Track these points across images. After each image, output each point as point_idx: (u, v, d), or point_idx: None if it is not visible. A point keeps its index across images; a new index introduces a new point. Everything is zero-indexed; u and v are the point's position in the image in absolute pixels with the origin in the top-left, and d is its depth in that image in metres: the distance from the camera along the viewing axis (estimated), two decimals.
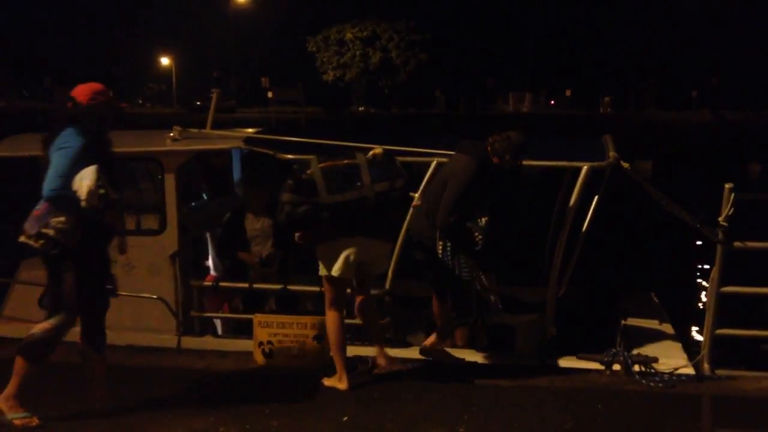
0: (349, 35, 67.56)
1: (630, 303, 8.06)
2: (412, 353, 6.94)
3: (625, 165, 6.57)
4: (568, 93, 66.37)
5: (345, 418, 5.49)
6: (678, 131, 45.99)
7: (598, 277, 9.71)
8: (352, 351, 6.93)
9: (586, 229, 6.76)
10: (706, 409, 6.02)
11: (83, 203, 5.11)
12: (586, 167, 6.63)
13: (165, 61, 76.95)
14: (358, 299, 6.39)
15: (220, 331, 8.02)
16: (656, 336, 7.15)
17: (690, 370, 6.37)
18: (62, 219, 5.11)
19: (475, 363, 6.78)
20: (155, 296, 7.37)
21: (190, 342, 7.36)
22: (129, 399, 5.87)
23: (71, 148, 5.17)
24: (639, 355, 6.53)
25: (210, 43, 77.23)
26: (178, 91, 72.16)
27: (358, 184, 5.74)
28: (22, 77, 79.05)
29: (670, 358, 6.50)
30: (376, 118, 55.76)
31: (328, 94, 68.39)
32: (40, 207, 5.16)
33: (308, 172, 5.74)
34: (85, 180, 5.13)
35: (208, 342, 7.38)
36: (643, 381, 6.21)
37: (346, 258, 5.95)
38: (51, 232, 5.11)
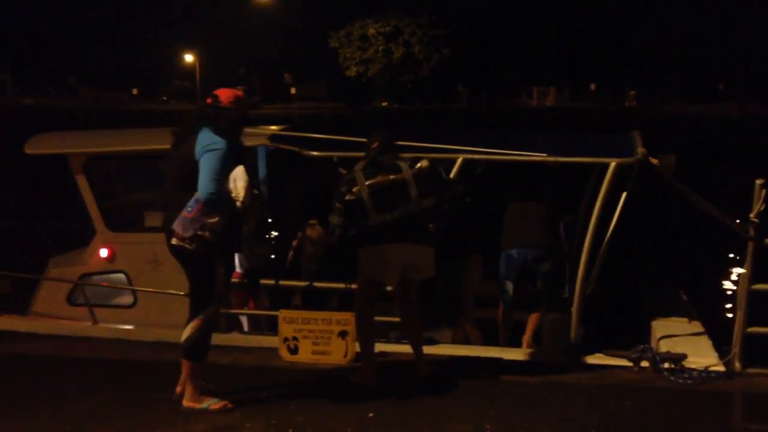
0: (371, 31, 67.45)
1: (659, 300, 7.97)
2: (438, 350, 6.92)
3: (654, 161, 6.48)
4: (592, 87, 65.86)
5: (370, 414, 5.49)
6: (704, 124, 45.50)
7: (626, 274, 9.63)
8: (378, 347, 6.93)
9: (614, 226, 6.68)
10: (735, 407, 5.95)
11: (239, 204, 5.27)
12: (613, 163, 6.55)
13: (189, 58, 77.29)
14: (401, 306, 6.33)
15: (246, 328, 8.03)
16: (685, 334, 7.06)
17: (720, 368, 6.28)
18: (216, 220, 5.24)
19: (501, 359, 6.75)
20: (182, 293, 7.39)
21: (216, 338, 7.36)
22: (155, 393, 5.91)
23: (220, 150, 5.24)
24: (667, 352, 6.46)
25: (233, 39, 77.56)
26: (201, 87, 72.48)
27: (406, 200, 5.76)
28: (49, 76, 79.74)
29: (700, 357, 6.41)
30: (399, 114, 55.73)
31: (350, 90, 68.37)
32: (193, 209, 5.22)
33: (354, 190, 5.76)
34: (239, 181, 5.29)
35: (234, 339, 7.39)
36: (672, 378, 6.14)
37: (388, 263, 5.95)
38: (207, 234, 5.24)
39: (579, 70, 65.57)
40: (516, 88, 67.92)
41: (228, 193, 5.28)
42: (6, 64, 71.32)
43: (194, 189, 5.20)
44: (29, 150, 7.95)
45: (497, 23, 68.39)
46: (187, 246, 5.27)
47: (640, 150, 6.61)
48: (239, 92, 5.62)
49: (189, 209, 5.21)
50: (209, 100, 5.48)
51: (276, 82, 71.98)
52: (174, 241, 5.32)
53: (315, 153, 7.12)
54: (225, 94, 5.49)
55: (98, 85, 71.85)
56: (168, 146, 7.72)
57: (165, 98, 75.82)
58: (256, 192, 5.40)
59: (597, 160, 6.85)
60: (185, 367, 5.59)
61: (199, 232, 5.22)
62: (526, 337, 7.46)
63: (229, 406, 5.59)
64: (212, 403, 5.58)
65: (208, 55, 76.15)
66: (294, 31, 76.79)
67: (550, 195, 7.36)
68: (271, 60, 75.26)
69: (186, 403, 5.59)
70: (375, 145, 6.01)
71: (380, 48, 67.51)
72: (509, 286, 7.45)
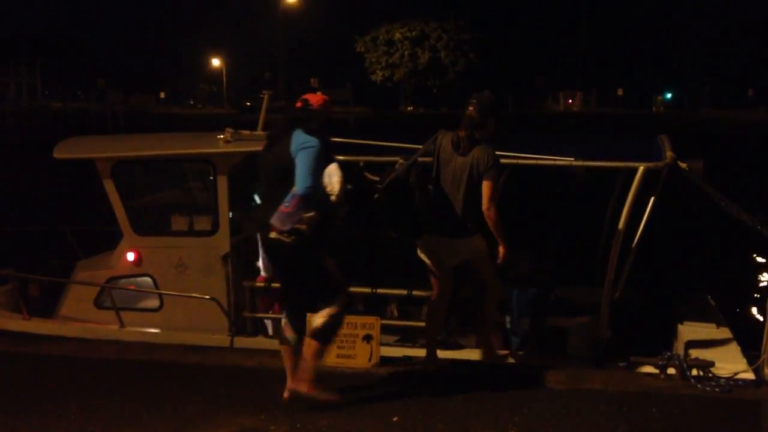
0: (397, 35, 67.57)
1: (686, 306, 7.89)
2: (462, 354, 6.91)
3: (683, 165, 6.42)
4: (619, 92, 65.45)
5: (395, 419, 5.48)
6: (733, 130, 45.08)
7: (653, 280, 9.55)
8: (403, 352, 6.93)
9: (642, 230, 6.63)
10: (764, 416, 5.86)
11: (333, 198, 5.54)
12: (642, 168, 6.49)
13: (216, 62, 77.86)
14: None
15: (270, 332, 8.06)
16: (713, 340, 6.98)
17: (750, 375, 6.20)
18: (312, 214, 5.40)
19: (527, 365, 6.71)
20: (208, 297, 7.44)
21: (242, 342, 7.42)
22: (182, 395, 5.94)
23: (315, 148, 5.44)
24: (695, 358, 6.39)
25: (260, 44, 78.11)
26: (228, 91, 73.02)
27: None
28: (77, 79, 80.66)
29: (729, 363, 6.33)
30: (425, 118, 55.71)
31: (376, 94, 68.52)
32: (290, 203, 5.38)
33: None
34: (334, 176, 5.58)
35: (260, 342, 7.42)
36: (699, 385, 6.06)
37: (427, 253, 6.34)
38: (304, 227, 5.39)
39: (606, 75, 65.22)
40: (542, 92, 67.70)
41: (323, 188, 5.51)
42: (35, 67, 72.22)
43: (289, 186, 5.37)
44: (57, 154, 8.04)
45: (524, 28, 68.14)
46: (285, 239, 5.41)
47: (669, 154, 6.55)
48: (326, 96, 5.92)
49: (286, 204, 5.37)
50: (299, 104, 5.73)
51: (302, 86, 72.37)
52: (273, 234, 5.45)
53: (340, 157, 7.12)
54: (314, 99, 5.78)
55: (126, 88, 72.59)
56: (198, 151, 7.86)
57: (192, 102, 76.44)
58: (349, 187, 5.70)
59: (625, 164, 6.79)
60: (309, 348, 5.61)
61: (297, 225, 5.36)
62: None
63: (336, 399, 5.67)
64: (322, 394, 5.65)
65: (234, 59, 76.71)
66: (320, 36, 77.16)
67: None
68: (297, 64, 75.67)
69: (297, 385, 5.63)
70: (471, 108, 6.29)
71: (406, 52, 67.56)
72: (525, 322, 7.52)
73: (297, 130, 5.54)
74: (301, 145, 5.43)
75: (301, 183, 5.32)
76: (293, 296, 5.78)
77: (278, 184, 5.45)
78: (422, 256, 6.43)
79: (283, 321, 5.82)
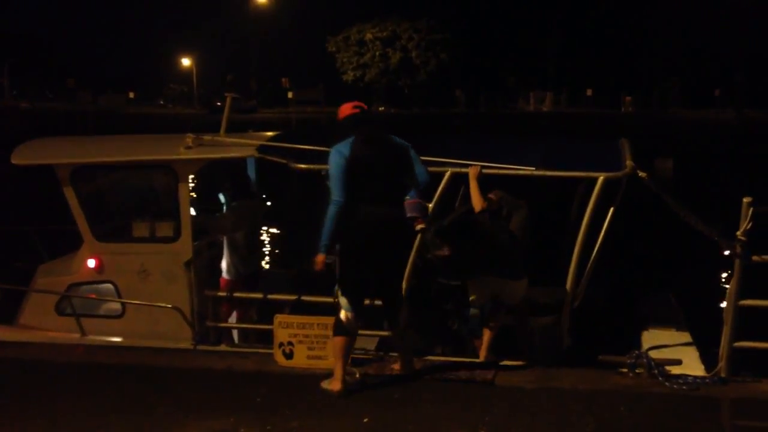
0: (369, 35, 67.49)
1: (649, 305, 7.96)
2: (433, 356, 6.91)
3: (643, 174, 6.44)
4: (589, 92, 65.84)
5: (366, 419, 5.48)
6: (701, 130, 45.52)
7: (617, 282, 9.61)
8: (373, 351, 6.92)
9: (601, 240, 6.70)
10: (730, 412, 5.94)
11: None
12: (602, 178, 6.51)
13: (186, 62, 77.24)
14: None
15: (236, 340, 7.97)
16: (673, 344, 7.04)
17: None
18: None
19: (496, 364, 6.73)
20: (170, 306, 7.31)
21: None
22: (150, 399, 5.89)
23: None
24: (662, 357, 6.45)
25: (231, 44, 77.65)
26: (198, 91, 72.52)
27: None
28: (46, 79, 79.65)
29: (688, 369, 6.40)
30: (397, 118, 55.67)
31: (348, 95, 68.29)
32: (415, 195, 5.86)
33: None
34: None
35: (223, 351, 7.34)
36: (667, 383, 6.13)
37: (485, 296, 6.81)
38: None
39: (576, 76, 65.59)
40: (513, 92, 67.94)
41: None
42: (4, 67, 71.18)
43: (402, 182, 5.79)
44: (15, 160, 7.72)
45: (495, 28, 68.39)
46: (427, 227, 5.85)
47: (629, 163, 6.56)
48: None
49: (413, 196, 5.86)
50: (357, 111, 6.03)
51: (273, 86, 72.07)
52: (419, 226, 5.80)
53: (302, 166, 6.95)
54: (364, 104, 6.21)
55: (95, 88, 71.76)
56: (158, 157, 7.64)
57: (162, 102, 75.83)
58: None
59: (585, 174, 6.79)
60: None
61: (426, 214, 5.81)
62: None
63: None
64: None
65: (205, 59, 76.19)
66: (291, 36, 76.87)
67: None
68: (268, 64, 75.32)
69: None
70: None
71: (377, 53, 67.51)
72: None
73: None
74: (405, 142, 5.94)
75: (426, 175, 5.86)
76: (390, 285, 6.04)
77: (396, 181, 5.82)
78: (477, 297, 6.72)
79: (350, 314, 5.97)
